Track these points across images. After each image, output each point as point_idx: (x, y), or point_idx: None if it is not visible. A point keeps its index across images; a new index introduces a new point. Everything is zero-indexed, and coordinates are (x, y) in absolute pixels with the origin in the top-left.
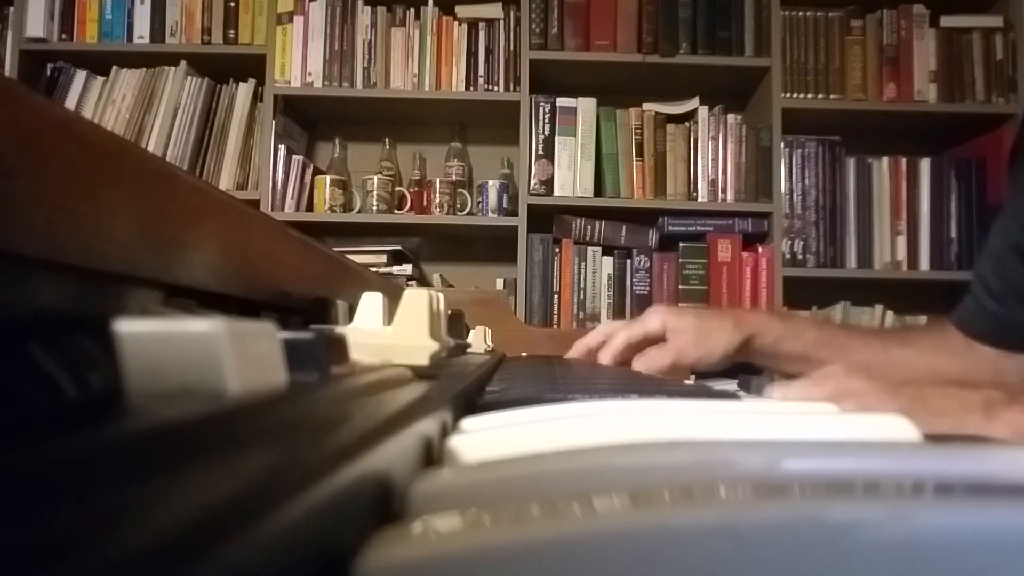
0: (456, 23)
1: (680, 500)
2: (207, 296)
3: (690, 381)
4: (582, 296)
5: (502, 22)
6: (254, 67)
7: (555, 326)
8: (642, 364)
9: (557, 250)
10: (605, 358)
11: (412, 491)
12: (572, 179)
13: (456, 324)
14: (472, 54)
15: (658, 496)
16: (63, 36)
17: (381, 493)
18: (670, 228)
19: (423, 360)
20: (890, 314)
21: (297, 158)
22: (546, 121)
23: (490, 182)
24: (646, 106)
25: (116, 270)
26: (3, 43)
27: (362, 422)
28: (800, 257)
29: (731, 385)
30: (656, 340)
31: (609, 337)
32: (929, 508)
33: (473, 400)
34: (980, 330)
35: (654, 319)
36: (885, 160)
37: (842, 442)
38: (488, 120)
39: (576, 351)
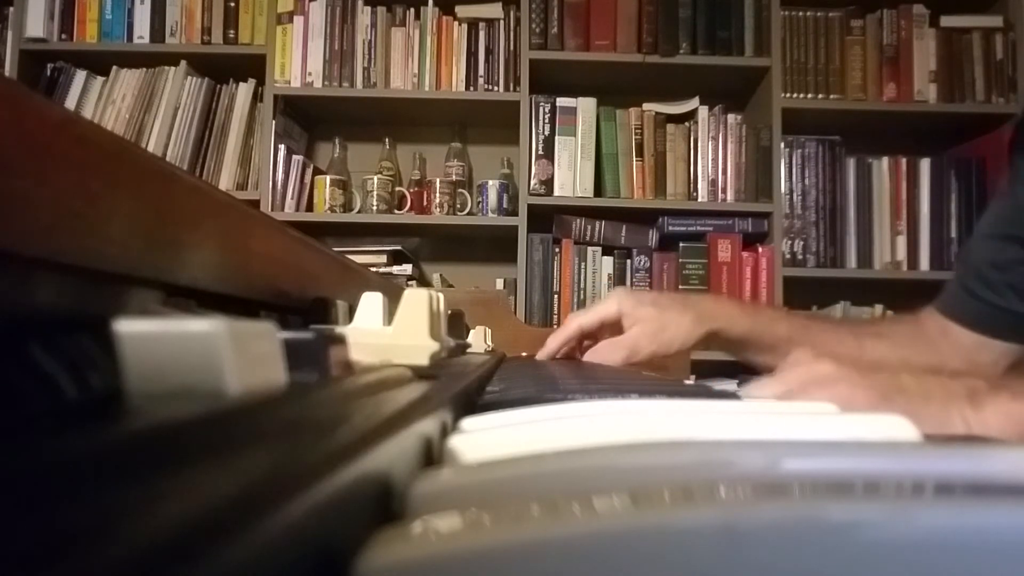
0: (456, 23)
1: (680, 500)
2: (207, 296)
3: (690, 381)
4: (582, 296)
5: (502, 22)
6: (254, 67)
7: (555, 326)
8: (594, 358)
9: (557, 250)
10: (554, 342)
11: (412, 491)
12: (572, 179)
13: (456, 324)
14: (472, 54)
15: (658, 496)
16: (63, 36)
17: (381, 493)
18: (670, 228)
19: (423, 360)
20: (890, 314)
21: (297, 158)
22: (546, 121)
23: (490, 182)
24: (646, 106)
25: (116, 270)
26: (3, 43)
27: (362, 422)
28: (800, 257)
29: (731, 385)
30: (613, 325)
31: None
32: (929, 508)
33: (473, 400)
34: (969, 317)
35: (610, 304)
36: (885, 160)
37: (842, 442)
38: (488, 120)
39: (547, 350)
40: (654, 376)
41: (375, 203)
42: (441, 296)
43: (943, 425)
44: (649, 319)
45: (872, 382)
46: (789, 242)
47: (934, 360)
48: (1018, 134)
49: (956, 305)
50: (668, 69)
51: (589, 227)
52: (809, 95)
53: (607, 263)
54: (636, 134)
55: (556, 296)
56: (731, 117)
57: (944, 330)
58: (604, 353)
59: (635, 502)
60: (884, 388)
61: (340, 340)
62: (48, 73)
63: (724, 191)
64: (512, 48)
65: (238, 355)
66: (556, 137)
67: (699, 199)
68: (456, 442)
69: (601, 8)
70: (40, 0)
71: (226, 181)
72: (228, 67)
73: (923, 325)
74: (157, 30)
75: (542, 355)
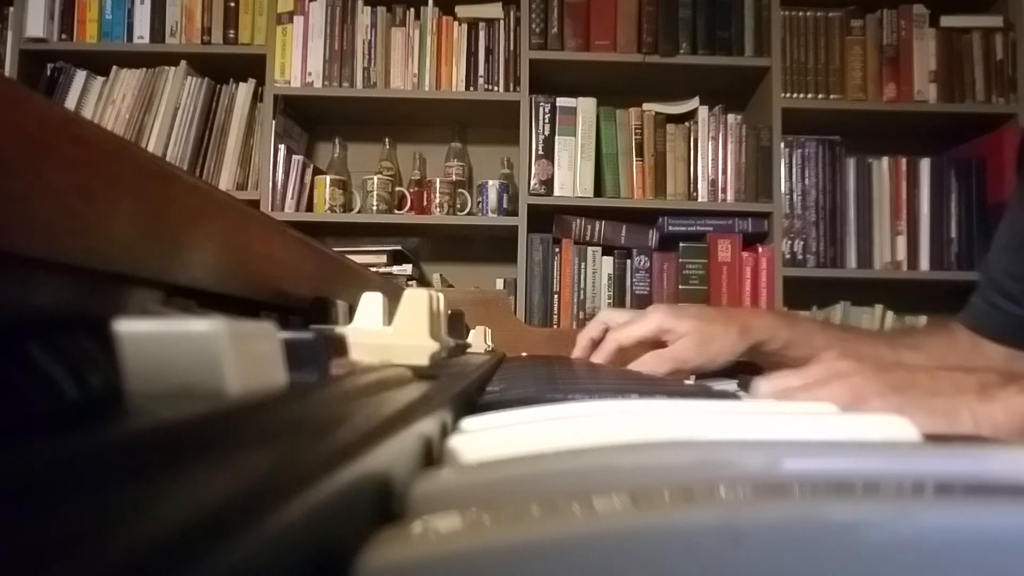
0: (456, 23)
1: (680, 500)
2: (207, 296)
3: (690, 381)
4: (582, 296)
5: (502, 22)
6: (254, 67)
7: (555, 326)
8: (640, 369)
9: (557, 250)
10: (598, 360)
11: (412, 491)
12: (572, 179)
13: (456, 324)
14: (472, 54)
15: (658, 496)
16: (63, 36)
17: (381, 493)
18: (670, 228)
19: (423, 360)
20: (890, 314)
21: (297, 158)
22: (546, 121)
23: (490, 182)
24: (646, 106)
25: (116, 270)
26: (3, 43)
27: (362, 422)
28: (800, 257)
29: (731, 385)
30: (651, 341)
31: (606, 327)
32: (929, 508)
33: (473, 400)
34: (995, 330)
35: (650, 322)
36: (885, 160)
37: (842, 442)
38: (488, 120)
39: (580, 346)
40: (654, 376)
41: (375, 203)
42: (441, 296)
43: (950, 417)
44: (694, 332)
45: (886, 376)
46: (789, 242)
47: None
48: None
49: (981, 319)
50: (668, 69)
51: (589, 227)
52: (809, 95)
53: (607, 263)
54: (636, 134)
55: (556, 296)
56: (731, 117)
57: (975, 344)
58: (650, 364)
59: (635, 502)
60: (896, 381)
61: (340, 340)
62: (48, 73)
63: (724, 191)
64: (512, 48)
65: (238, 355)
66: (556, 137)
67: (699, 199)
68: (456, 442)
69: (601, 8)
70: (40, 0)
71: (226, 181)
72: (228, 67)
73: (955, 337)
74: (157, 30)
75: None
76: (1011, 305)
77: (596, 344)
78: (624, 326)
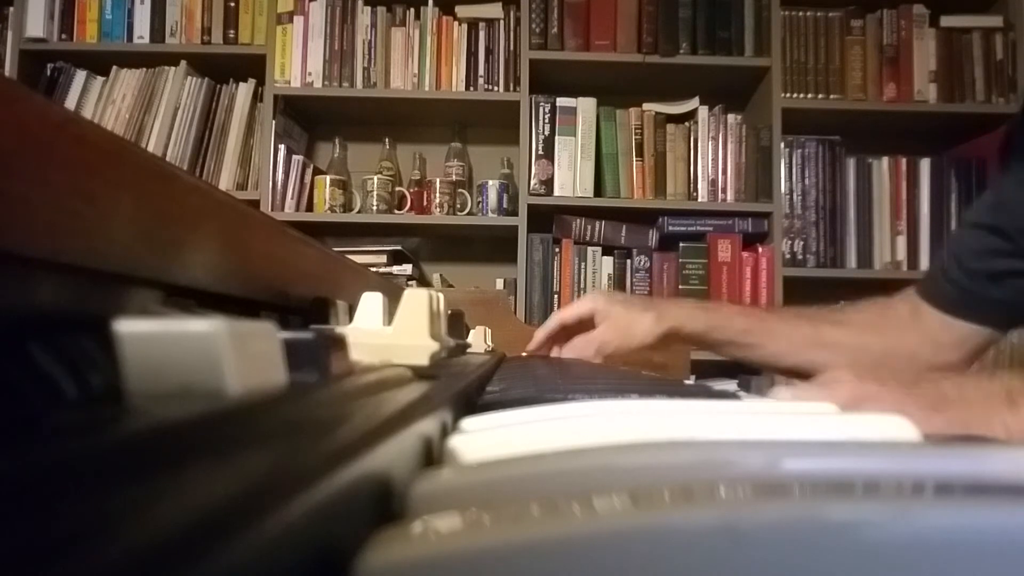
0: (456, 23)
1: (680, 500)
2: (207, 296)
3: (690, 381)
4: (582, 296)
5: (502, 22)
6: (254, 67)
7: None
8: (569, 352)
9: (557, 250)
10: (539, 335)
11: (412, 491)
12: (572, 179)
13: (456, 324)
14: (472, 54)
15: (658, 496)
16: (63, 36)
17: (381, 493)
18: (670, 228)
19: (423, 360)
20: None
21: (297, 158)
22: (546, 121)
23: (490, 182)
24: (646, 106)
25: (116, 270)
26: (3, 43)
27: (362, 422)
28: (800, 257)
29: (731, 385)
30: (588, 321)
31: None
32: (929, 508)
33: (473, 400)
34: (939, 298)
35: (586, 302)
36: (885, 160)
37: (842, 442)
38: (488, 120)
39: (535, 340)
40: (654, 376)
41: (375, 203)
42: (441, 296)
43: (985, 429)
44: (617, 317)
45: (916, 395)
46: (789, 242)
47: (895, 343)
48: (1017, 129)
49: (931, 287)
50: (668, 69)
51: (589, 227)
52: (809, 95)
53: (607, 263)
54: (636, 134)
55: (556, 296)
56: (731, 117)
57: (916, 311)
58: (578, 348)
59: (635, 502)
60: (931, 399)
61: (340, 340)
62: (48, 73)
63: (724, 191)
64: (512, 48)
65: (238, 355)
66: (556, 137)
67: (699, 199)
68: (456, 442)
69: (601, 8)
70: (40, 0)
71: (226, 181)
72: (228, 67)
73: (893, 308)
74: (157, 30)
75: (530, 347)
76: (964, 279)
77: (551, 340)
78: (567, 307)
